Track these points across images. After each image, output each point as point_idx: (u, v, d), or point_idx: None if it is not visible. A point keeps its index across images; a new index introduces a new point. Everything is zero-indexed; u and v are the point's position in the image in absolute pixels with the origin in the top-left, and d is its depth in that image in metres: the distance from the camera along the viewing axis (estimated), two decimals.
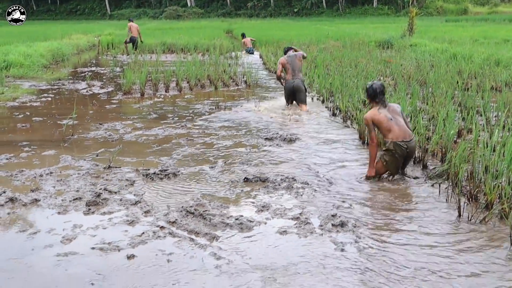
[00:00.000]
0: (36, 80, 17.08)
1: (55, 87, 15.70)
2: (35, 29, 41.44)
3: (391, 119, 6.61)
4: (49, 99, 13.62)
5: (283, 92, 12.13)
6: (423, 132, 8.02)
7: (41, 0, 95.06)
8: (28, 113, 11.61)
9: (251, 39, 27.22)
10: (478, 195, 5.87)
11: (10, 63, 18.82)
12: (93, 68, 20.79)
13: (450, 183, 6.24)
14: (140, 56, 23.39)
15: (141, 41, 27.13)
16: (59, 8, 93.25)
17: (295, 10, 73.09)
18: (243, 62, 20.22)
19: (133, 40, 26.71)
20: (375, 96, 6.73)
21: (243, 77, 16.24)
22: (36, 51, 21.68)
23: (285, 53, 11.84)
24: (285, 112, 11.20)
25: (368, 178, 6.66)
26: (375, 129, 6.71)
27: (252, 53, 26.27)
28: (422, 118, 9.39)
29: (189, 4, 79.85)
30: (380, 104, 6.72)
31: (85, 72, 19.45)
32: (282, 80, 11.90)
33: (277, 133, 9.13)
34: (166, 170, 7.01)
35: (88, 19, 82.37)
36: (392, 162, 6.59)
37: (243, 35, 27.64)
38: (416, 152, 7.23)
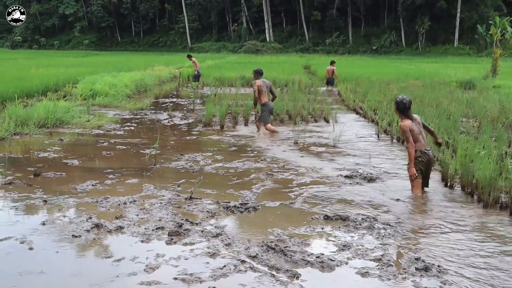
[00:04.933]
0: (120, 109, 17.66)
1: (138, 116, 16.18)
2: (120, 60, 43.01)
3: (420, 133, 7.67)
4: (132, 128, 14.04)
5: (357, 126, 12.05)
6: (511, 177, 7.76)
7: (125, 32, 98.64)
8: (112, 141, 11.99)
9: (334, 69, 27.21)
10: None
11: (96, 92, 19.62)
12: (174, 99, 21.31)
13: None
14: (220, 89, 23.79)
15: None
16: (142, 40, 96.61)
17: (374, 47, 72.80)
18: (323, 95, 20.22)
19: (198, 75, 27.99)
20: (405, 110, 7.69)
21: (322, 113, 16.22)
22: (120, 81, 22.43)
23: (258, 73, 13.51)
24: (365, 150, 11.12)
25: (411, 178, 7.64)
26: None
27: (332, 84, 26.32)
28: (510, 162, 9.08)
29: (268, 39, 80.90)
30: (408, 118, 7.71)
31: (166, 102, 19.96)
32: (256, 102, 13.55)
33: (357, 172, 9.05)
34: (247, 203, 7.06)
35: (169, 51, 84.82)
36: (421, 167, 7.65)
37: (332, 62, 27.75)
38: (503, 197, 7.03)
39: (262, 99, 13.38)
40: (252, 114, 15.26)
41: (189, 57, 29.04)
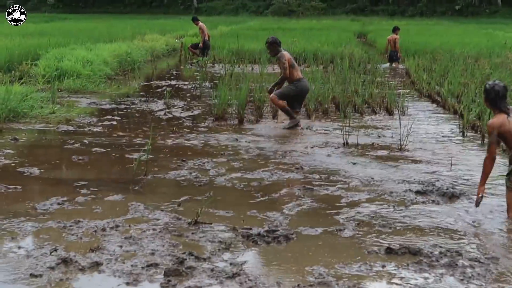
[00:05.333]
0: (97, 96, 17.78)
1: (122, 106, 16.28)
2: (97, 26, 43.20)
3: None
4: (114, 122, 14.13)
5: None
6: None
7: None
8: (86, 142, 12.05)
9: (397, 39, 27.11)
10: None
11: (64, 72, 19.60)
12: (173, 82, 21.42)
13: None
14: (237, 67, 23.82)
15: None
16: None
17: (457, 7, 72.46)
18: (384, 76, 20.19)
19: (207, 45, 27.98)
20: (497, 100, 7.49)
21: (383, 101, 16.15)
22: (98, 57, 22.44)
23: (276, 43, 13.70)
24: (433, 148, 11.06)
25: (477, 204, 7.61)
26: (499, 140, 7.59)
27: (398, 60, 26.26)
28: None
29: None
30: (503, 112, 7.48)
31: (162, 86, 20.04)
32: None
33: (433, 184, 9.00)
34: (276, 231, 7.05)
35: (167, 13, 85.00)
36: None
37: (395, 29, 27.71)
38: None
39: (295, 75, 13.58)
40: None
41: (195, 21, 29.18)
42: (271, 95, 13.61)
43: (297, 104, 13.79)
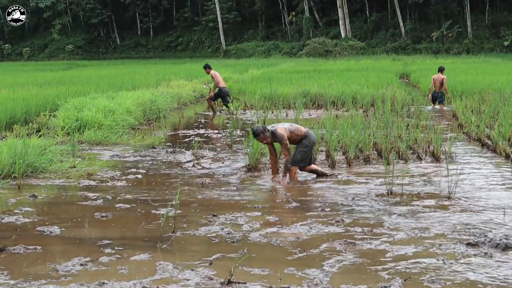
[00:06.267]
0: (121, 148, 17.95)
1: (148, 158, 16.40)
2: (119, 73, 43.72)
3: None
4: (139, 176, 14.23)
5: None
6: None
7: (127, 30, 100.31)
8: (110, 197, 12.13)
9: (444, 79, 27.21)
10: None
11: (85, 123, 19.81)
12: (202, 131, 21.58)
13: None
14: (271, 113, 23.92)
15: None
16: (152, 41, 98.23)
17: (506, 43, 72.28)
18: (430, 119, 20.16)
19: (225, 93, 27.65)
20: None
21: (429, 146, 16.12)
22: (120, 106, 22.68)
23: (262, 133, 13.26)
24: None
25: None
26: None
27: (442, 102, 26.29)
28: None
29: (343, 35, 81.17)
30: None
31: (190, 136, 20.22)
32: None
33: (485, 236, 8.94)
34: None
35: (193, 56, 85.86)
36: None
37: (441, 69, 27.88)
38: None
39: (300, 133, 13.65)
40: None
41: (207, 68, 28.31)
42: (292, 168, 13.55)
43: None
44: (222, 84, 27.59)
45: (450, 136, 17.44)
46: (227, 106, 27.48)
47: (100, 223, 10.36)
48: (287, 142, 13.20)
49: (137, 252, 8.69)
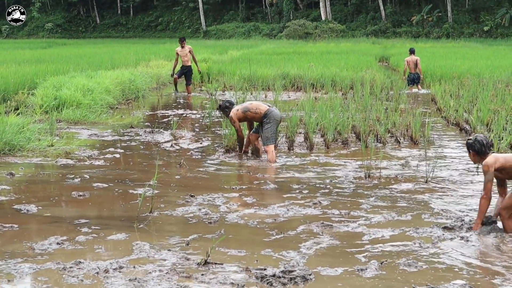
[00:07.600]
0: (99, 127, 17.88)
1: (126, 138, 16.37)
2: (99, 52, 43.51)
3: None
4: (117, 155, 14.19)
5: None
6: None
7: (107, 9, 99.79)
8: (87, 176, 12.11)
9: (418, 60, 27.32)
10: None
11: (63, 102, 19.67)
12: (181, 111, 21.53)
13: None
14: (249, 94, 23.87)
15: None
16: (132, 21, 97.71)
17: (485, 28, 72.42)
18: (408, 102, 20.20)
19: (186, 71, 27.18)
20: (482, 148, 8.38)
21: (407, 130, 16.16)
22: (99, 85, 22.54)
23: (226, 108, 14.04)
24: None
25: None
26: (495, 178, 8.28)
27: (417, 83, 26.39)
28: None
29: (323, 17, 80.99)
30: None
31: (168, 116, 20.16)
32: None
33: (462, 220, 8.98)
34: (292, 271, 7.03)
35: (173, 37, 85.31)
36: None
37: (412, 51, 28.04)
38: None
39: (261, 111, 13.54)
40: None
41: (182, 41, 27.55)
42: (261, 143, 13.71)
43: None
44: (186, 61, 27.14)
45: (428, 121, 17.49)
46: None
47: (77, 202, 10.33)
48: (236, 124, 13.56)
49: (114, 231, 8.67)
